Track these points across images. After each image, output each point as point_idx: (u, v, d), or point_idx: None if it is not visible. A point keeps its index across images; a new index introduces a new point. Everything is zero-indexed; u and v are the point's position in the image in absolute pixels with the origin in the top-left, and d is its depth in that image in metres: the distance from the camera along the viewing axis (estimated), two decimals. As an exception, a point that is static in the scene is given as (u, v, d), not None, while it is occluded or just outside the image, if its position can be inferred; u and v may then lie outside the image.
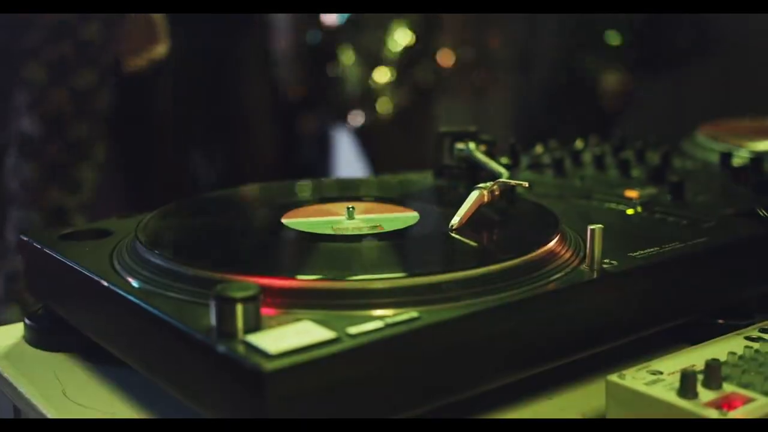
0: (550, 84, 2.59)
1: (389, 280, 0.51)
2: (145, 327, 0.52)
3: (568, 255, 0.58)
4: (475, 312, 0.50)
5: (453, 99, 2.64)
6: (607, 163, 0.91)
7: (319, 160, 3.02)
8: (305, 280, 0.51)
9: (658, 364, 0.51)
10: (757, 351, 0.53)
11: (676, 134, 1.11)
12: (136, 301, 0.52)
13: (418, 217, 0.66)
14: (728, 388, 0.48)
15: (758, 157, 0.88)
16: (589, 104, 2.45)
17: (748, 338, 0.55)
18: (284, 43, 2.53)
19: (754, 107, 1.31)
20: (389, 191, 0.77)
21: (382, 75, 2.44)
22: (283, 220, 0.65)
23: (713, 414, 0.45)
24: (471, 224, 0.62)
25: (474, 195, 0.64)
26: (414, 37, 2.42)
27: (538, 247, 0.56)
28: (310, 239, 0.61)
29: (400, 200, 0.72)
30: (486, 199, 0.65)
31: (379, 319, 0.48)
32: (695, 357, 0.52)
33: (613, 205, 0.74)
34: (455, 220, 0.62)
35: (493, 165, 0.75)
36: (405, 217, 0.66)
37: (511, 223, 0.66)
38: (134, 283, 0.55)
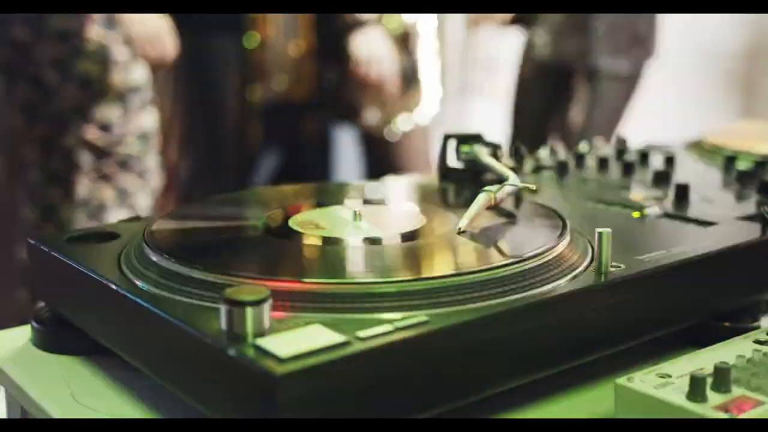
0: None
1: (398, 284, 0.51)
2: (153, 330, 0.52)
3: (576, 258, 0.58)
4: (484, 315, 0.50)
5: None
6: (610, 166, 0.91)
7: (319, 162, 3.03)
8: (314, 283, 0.51)
9: (666, 367, 0.51)
10: (765, 354, 0.53)
11: (679, 138, 1.11)
12: (145, 304, 0.52)
13: (425, 220, 0.66)
14: (737, 391, 0.48)
15: (763, 161, 0.88)
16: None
17: (756, 341, 0.55)
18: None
19: (759, 111, 1.32)
20: (394, 194, 0.77)
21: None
22: (290, 223, 0.65)
23: (723, 417, 0.45)
24: (478, 227, 0.63)
25: (481, 198, 0.64)
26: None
27: (547, 250, 0.57)
28: (318, 242, 0.61)
29: (407, 203, 0.72)
30: (493, 201, 0.65)
31: (388, 322, 0.48)
32: (704, 360, 0.52)
33: (618, 209, 0.74)
34: (463, 223, 0.62)
35: (500, 168, 0.75)
36: (412, 220, 0.66)
37: (518, 225, 0.66)
38: (142, 286, 0.55)
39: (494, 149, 0.81)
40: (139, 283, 0.55)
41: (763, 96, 2.42)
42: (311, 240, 0.61)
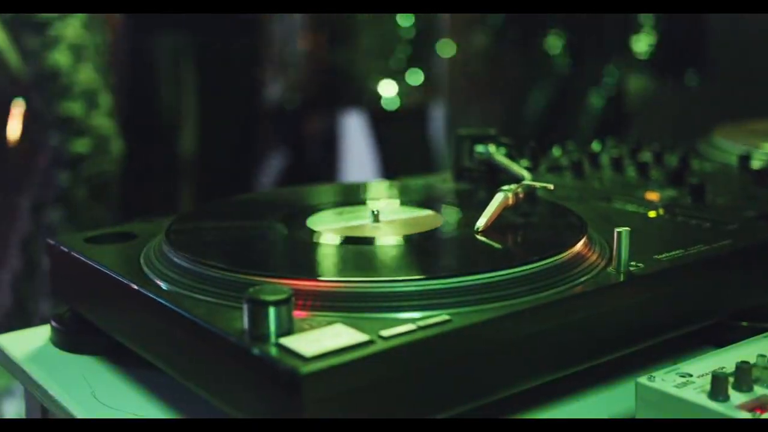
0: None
1: (420, 283, 0.51)
2: (175, 329, 0.52)
3: (594, 257, 0.58)
4: (504, 314, 0.50)
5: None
6: (625, 166, 0.91)
7: (325, 162, 3.03)
8: (335, 282, 0.51)
9: (687, 367, 0.51)
10: (786, 353, 0.53)
11: (690, 136, 1.11)
12: (167, 304, 0.52)
13: (443, 220, 0.66)
14: (759, 390, 0.48)
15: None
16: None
17: (776, 341, 0.55)
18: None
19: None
20: (411, 194, 0.77)
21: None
22: (309, 223, 0.65)
23: (746, 417, 0.45)
24: (495, 227, 0.63)
25: (499, 197, 0.64)
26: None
27: (566, 250, 0.57)
28: (337, 242, 0.61)
29: (423, 203, 0.72)
30: (510, 201, 0.65)
31: (410, 321, 0.48)
32: (724, 359, 0.52)
33: (633, 208, 0.74)
34: (481, 223, 0.62)
35: (515, 168, 0.75)
36: (429, 220, 0.66)
37: (536, 225, 0.66)
38: (163, 286, 0.55)
39: (508, 148, 0.81)
40: (160, 282, 0.55)
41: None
42: (331, 239, 0.61)
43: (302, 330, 0.47)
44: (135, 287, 0.55)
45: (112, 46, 2.15)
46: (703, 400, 0.47)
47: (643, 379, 0.50)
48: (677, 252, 0.61)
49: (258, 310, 0.46)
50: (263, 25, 2.46)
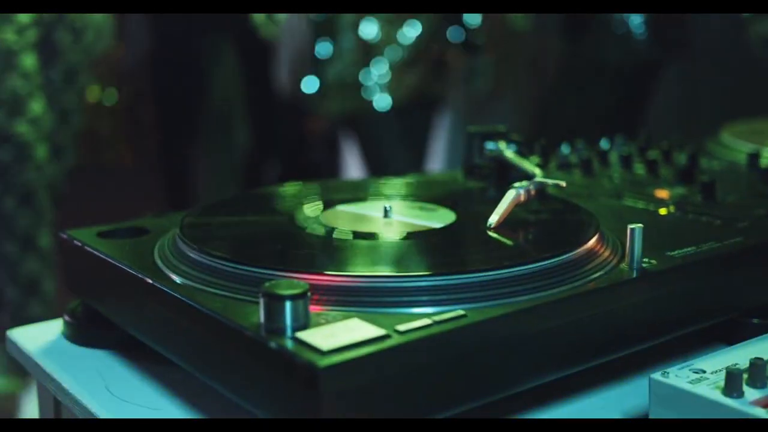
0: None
1: (434, 279, 0.51)
2: (190, 324, 0.52)
3: (607, 254, 0.58)
4: (518, 310, 0.50)
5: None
6: (634, 163, 0.91)
7: (327, 161, 3.03)
8: (350, 277, 0.51)
9: (700, 363, 0.52)
10: (798, 350, 0.53)
11: (695, 134, 1.11)
12: (182, 298, 0.52)
13: (455, 216, 0.66)
14: (773, 387, 0.48)
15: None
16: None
17: (789, 338, 0.56)
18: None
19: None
20: (422, 190, 0.77)
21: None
22: (323, 218, 0.65)
23: (761, 413, 0.45)
24: (507, 223, 0.63)
25: (511, 194, 0.65)
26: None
27: (579, 246, 0.57)
28: (351, 237, 0.61)
29: (434, 199, 0.72)
30: (522, 198, 0.65)
31: (426, 316, 0.48)
32: (737, 356, 0.52)
33: (643, 205, 0.74)
34: (493, 219, 0.62)
35: (526, 165, 0.75)
36: (441, 216, 0.66)
37: (548, 222, 0.67)
38: (177, 280, 0.55)
39: (519, 145, 0.81)
40: (174, 277, 0.56)
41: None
42: (345, 235, 0.61)
43: (318, 324, 0.47)
44: (149, 281, 0.56)
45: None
46: (718, 396, 0.47)
47: (656, 375, 0.50)
48: (689, 249, 0.61)
49: (274, 304, 0.46)
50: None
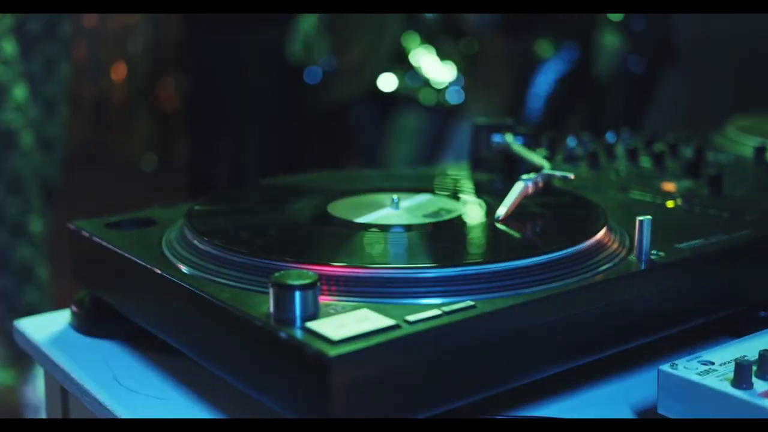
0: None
1: (444, 270, 0.51)
2: (198, 314, 0.52)
3: (615, 246, 0.58)
4: (527, 301, 0.50)
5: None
6: (640, 156, 0.91)
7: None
8: (359, 268, 0.51)
9: (709, 355, 0.52)
10: (807, 343, 0.53)
11: (702, 127, 1.11)
12: (191, 288, 0.52)
13: (463, 208, 0.66)
14: (781, 379, 0.48)
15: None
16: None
17: (797, 330, 0.56)
18: None
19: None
20: (429, 182, 0.77)
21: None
22: (332, 209, 0.65)
23: (770, 404, 0.45)
24: (515, 216, 0.63)
25: (519, 186, 0.64)
26: None
27: (588, 238, 0.57)
28: (361, 228, 0.61)
29: (442, 191, 0.72)
30: (531, 190, 0.65)
31: (435, 307, 0.48)
32: (745, 348, 0.52)
33: (650, 198, 0.74)
34: (501, 211, 0.62)
35: (533, 157, 0.75)
36: (448, 208, 0.66)
37: (556, 214, 0.66)
38: (185, 270, 0.55)
39: (526, 138, 0.81)
40: (183, 267, 0.56)
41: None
42: (354, 226, 0.61)
43: (328, 314, 0.47)
44: (157, 272, 0.56)
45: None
46: (727, 388, 0.47)
47: (665, 367, 0.50)
48: (697, 241, 0.61)
49: (284, 294, 0.46)
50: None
